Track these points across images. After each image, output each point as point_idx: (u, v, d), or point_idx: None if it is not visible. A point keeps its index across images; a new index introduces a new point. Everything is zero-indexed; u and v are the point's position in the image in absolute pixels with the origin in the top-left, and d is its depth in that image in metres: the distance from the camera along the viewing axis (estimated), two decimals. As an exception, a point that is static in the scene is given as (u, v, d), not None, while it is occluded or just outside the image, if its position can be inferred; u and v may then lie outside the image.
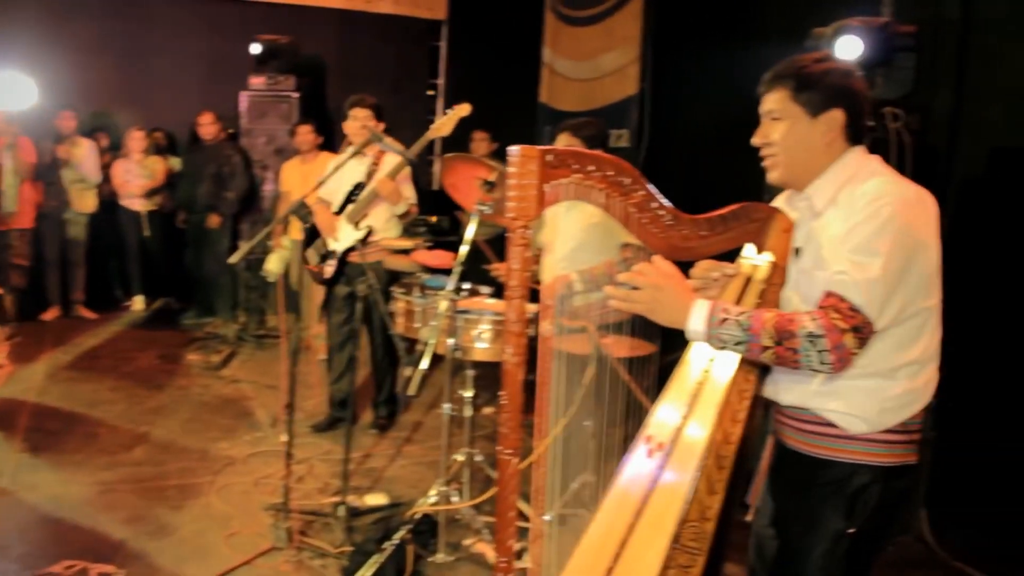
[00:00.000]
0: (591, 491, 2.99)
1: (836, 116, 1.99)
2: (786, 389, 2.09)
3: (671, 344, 2.26)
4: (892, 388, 1.96)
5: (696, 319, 1.86)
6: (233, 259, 3.37)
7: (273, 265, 6.96)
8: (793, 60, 2.03)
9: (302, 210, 3.35)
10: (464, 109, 4.42)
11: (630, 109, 7.02)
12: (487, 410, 5.68)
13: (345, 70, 9.06)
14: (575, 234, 3.69)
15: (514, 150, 1.72)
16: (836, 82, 1.99)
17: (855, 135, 2.03)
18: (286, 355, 3.57)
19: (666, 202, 1.93)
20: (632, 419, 2.34)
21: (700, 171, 5.94)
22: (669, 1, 6.53)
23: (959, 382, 3.17)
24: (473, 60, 8.96)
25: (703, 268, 2.16)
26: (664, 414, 2.10)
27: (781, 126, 2.03)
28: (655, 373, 2.60)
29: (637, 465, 2.07)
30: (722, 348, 1.87)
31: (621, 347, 3.17)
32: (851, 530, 2.01)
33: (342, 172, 4.99)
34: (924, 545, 3.90)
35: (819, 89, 1.98)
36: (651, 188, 1.90)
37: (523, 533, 3.52)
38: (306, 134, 6.83)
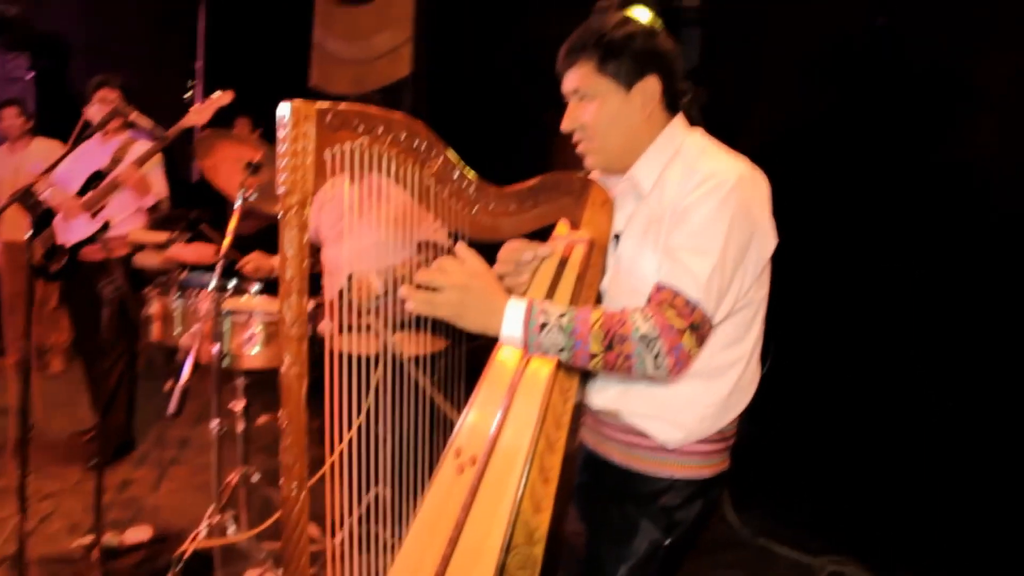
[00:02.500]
0: (386, 505, 2.68)
1: (651, 84, 1.74)
2: (598, 390, 1.84)
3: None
4: (716, 391, 1.75)
5: (511, 324, 1.55)
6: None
7: None
8: (589, 28, 1.76)
9: (29, 199, 2.77)
10: (225, 97, 3.96)
11: (404, 92, 6.71)
12: (261, 419, 5.19)
13: (91, 50, 8.08)
14: (371, 228, 3.32)
15: (285, 107, 1.37)
16: (644, 45, 1.73)
17: (672, 103, 1.80)
18: (13, 375, 2.98)
19: (469, 171, 1.65)
20: (432, 423, 2.05)
21: (480, 156, 5.72)
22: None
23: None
24: (236, 41, 8.32)
25: (513, 249, 1.86)
26: (474, 423, 1.81)
27: (592, 106, 1.75)
28: (461, 368, 2.29)
29: (446, 485, 1.77)
30: (543, 355, 1.58)
31: (410, 344, 2.86)
32: (668, 541, 1.79)
33: (81, 157, 4.38)
34: (727, 524, 3.86)
35: (627, 56, 1.72)
36: (451, 155, 1.60)
37: (313, 558, 3.15)
38: (12, 118, 5.97)
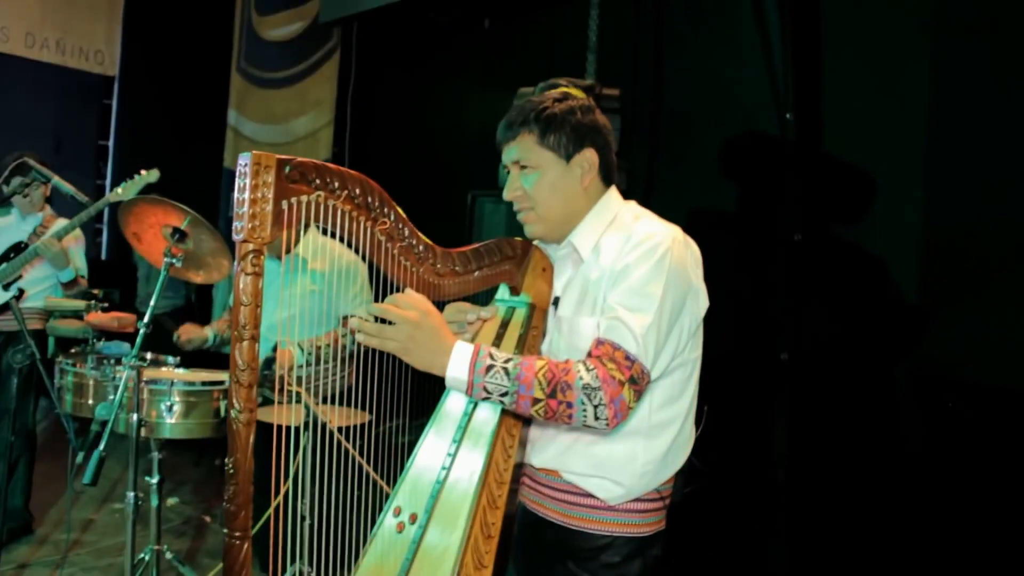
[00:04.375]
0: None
1: (589, 156, 1.83)
2: (538, 450, 1.87)
3: (390, 413, 1.98)
4: (653, 449, 1.79)
5: (457, 365, 1.59)
6: None
7: None
8: (530, 103, 1.86)
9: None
10: (151, 175, 3.97)
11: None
12: (170, 501, 5.02)
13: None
14: (293, 300, 3.32)
15: (245, 157, 1.41)
16: (582, 119, 1.83)
17: (607, 174, 1.89)
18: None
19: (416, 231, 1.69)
20: (361, 495, 2.03)
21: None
22: (367, 64, 6.39)
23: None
24: (150, 120, 8.26)
25: (456, 309, 1.90)
26: (415, 480, 1.81)
27: (533, 176, 1.83)
28: (385, 444, 2.28)
29: (385, 544, 1.76)
30: (486, 399, 1.61)
31: (334, 416, 2.84)
32: None
33: (1, 233, 4.31)
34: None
35: (567, 129, 1.81)
36: (401, 212, 1.65)
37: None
38: None
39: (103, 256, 8.60)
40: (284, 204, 1.44)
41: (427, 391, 1.93)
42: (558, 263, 1.93)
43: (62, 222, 4.26)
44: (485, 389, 1.58)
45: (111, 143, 8.82)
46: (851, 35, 3.78)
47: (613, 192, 1.89)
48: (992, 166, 3.31)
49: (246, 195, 1.40)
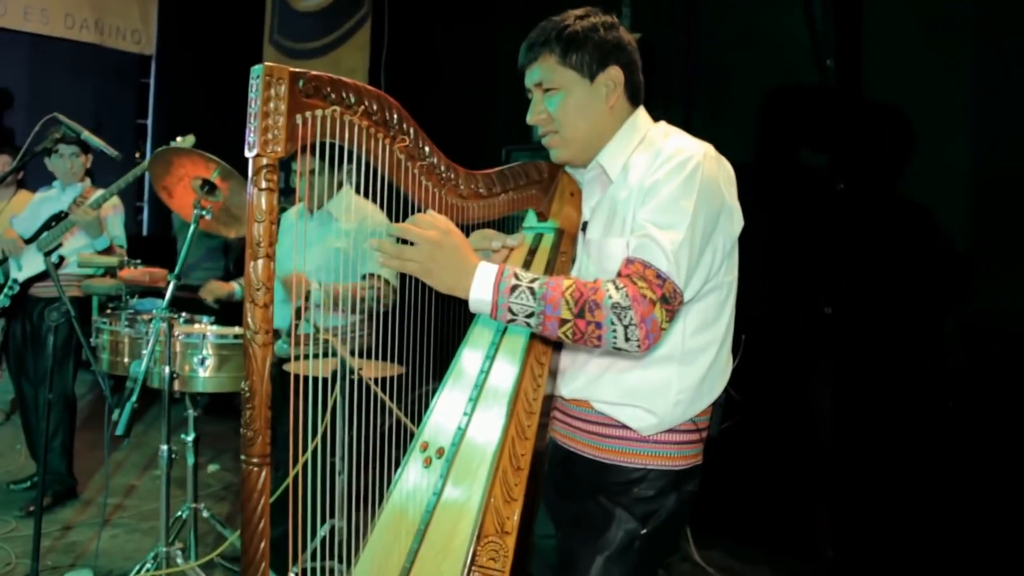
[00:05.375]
0: (342, 539, 2.58)
1: (614, 74, 1.75)
2: (567, 380, 1.80)
3: (423, 369, 1.91)
4: (689, 375, 1.71)
5: (481, 285, 1.52)
6: None
7: None
8: (551, 22, 1.77)
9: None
10: (187, 140, 3.94)
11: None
12: (211, 468, 5.05)
13: (37, 102, 7.98)
14: (319, 254, 3.28)
15: (257, 69, 1.35)
16: (605, 37, 1.74)
17: (634, 93, 1.81)
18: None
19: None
20: (394, 449, 1.97)
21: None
22: (399, 30, 6.33)
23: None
24: (186, 97, 8.27)
25: (482, 236, 1.83)
26: (442, 414, 1.76)
27: (556, 97, 1.76)
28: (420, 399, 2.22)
29: (412, 480, 1.71)
30: (511, 321, 1.53)
31: (366, 370, 2.79)
32: (644, 531, 1.72)
33: (43, 204, 4.35)
34: (691, 563, 3.80)
35: (589, 47, 1.73)
36: (420, 131, 1.58)
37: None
38: (4, 166, 5.82)
39: (144, 233, 8.68)
40: (298, 119, 1.38)
41: (454, 344, 1.88)
42: (586, 186, 1.86)
43: (100, 194, 4.29)
44: (510, 310, 1.51)
45: (149, 121, 8.87)
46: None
47: (641, 112, 1.81)
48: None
49: (257, 108, 1.35)
